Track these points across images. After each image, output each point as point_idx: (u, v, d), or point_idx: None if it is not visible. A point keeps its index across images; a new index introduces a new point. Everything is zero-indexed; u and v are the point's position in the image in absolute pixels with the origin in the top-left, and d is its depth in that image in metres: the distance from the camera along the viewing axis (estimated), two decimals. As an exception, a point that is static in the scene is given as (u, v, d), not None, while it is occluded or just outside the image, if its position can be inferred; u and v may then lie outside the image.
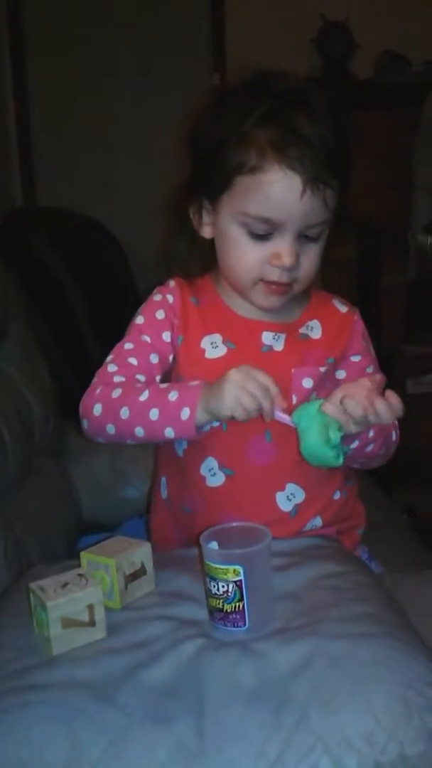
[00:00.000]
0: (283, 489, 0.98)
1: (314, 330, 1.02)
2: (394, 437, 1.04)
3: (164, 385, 0.95)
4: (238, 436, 0.96)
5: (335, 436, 0.88)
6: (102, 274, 2.10)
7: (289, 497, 0.98)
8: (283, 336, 1.00)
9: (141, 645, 0.76)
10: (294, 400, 0.97)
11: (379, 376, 0.94)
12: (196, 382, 0.92)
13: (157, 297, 1.03)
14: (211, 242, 1.00)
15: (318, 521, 1.00)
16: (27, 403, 1.32)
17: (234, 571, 0.76)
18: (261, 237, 0.93)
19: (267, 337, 1.00)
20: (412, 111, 2.82)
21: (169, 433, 0.91)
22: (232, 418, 0.87)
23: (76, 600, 0.76)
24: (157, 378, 1.00)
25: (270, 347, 1.00)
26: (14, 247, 1.87)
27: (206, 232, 0.99)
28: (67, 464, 1.43)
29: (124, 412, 0.93)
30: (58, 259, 1.94)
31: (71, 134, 3.28)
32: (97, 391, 0.96)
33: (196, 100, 1.01)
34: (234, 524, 0.84)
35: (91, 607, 0.77)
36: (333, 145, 0.91)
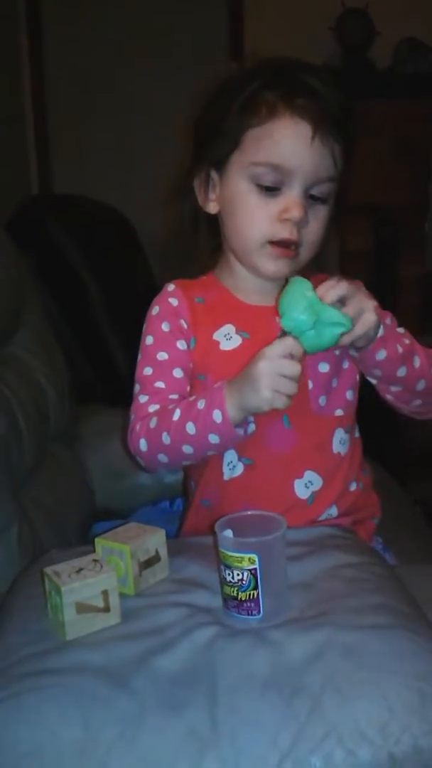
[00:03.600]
0: (301, 476, 0.98)
1: None
2: None
3: (192, 398, 0.94)
4: (256, 424, 0.96)
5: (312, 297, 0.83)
6: (118, 262, 2.09)
7: (306, 485, 0.98)
8: None
9: (155, 631, 0.76)
10: (310, 385, 0.97)
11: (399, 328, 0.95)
12: (218, 384, 0.91)
13: (155, 310, 1.02)
14: (217, 223, 1.00)
15: (333, 510, 1.00)
16: (43, 390, 1.32)
17: (249, 559, 0.75)
18: (269, 191, 0.92)
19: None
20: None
21: (213, 439, 0.90)
22: (274, 409, 0.85)
23: (91, 585, 0.77)
24: (188, 390, 0.99)
25: (285, 332, 0.99)
26: (30, 234, 1.87)
27: (212, 207, 0.99)
28: (81, 451, 1.43)
29: (166, 438, 0.93)
30: (73, 247, 1.93)
31: (88, 122, 3.28)
32: (137, 427, 0.97)
33: (205, 86, 1.02)
34: (249, 513, 0.83)
35: (105, 593, 0.77)
36: (339, 104, 0.93)
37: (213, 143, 0.95)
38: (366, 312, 0.85)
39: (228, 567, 0.77)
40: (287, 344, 0.84)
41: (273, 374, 0.83)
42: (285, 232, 0.93)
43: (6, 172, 2.94)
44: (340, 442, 1.00)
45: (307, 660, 0.70)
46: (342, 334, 0.84)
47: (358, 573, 0.84)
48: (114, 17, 3.23)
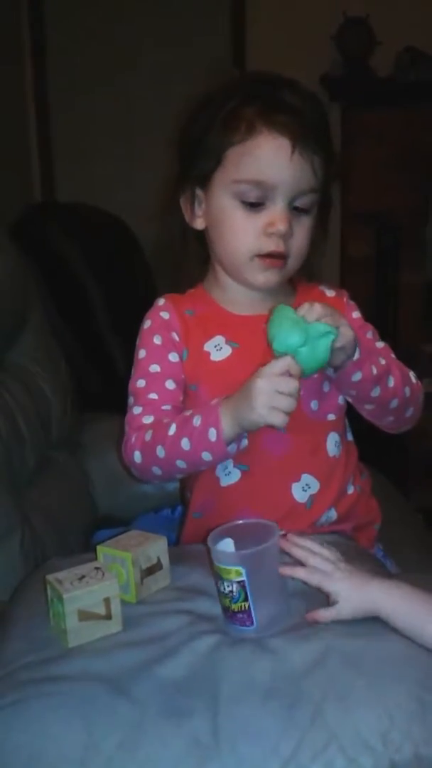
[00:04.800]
0: (298, 480, 0.98)
1: None
2: (413, 379, 1.02)
3: (188, 412, 0.94)
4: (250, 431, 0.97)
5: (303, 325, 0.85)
6: (119, 269, 2.10)
7: (304, 488, 0.98)
8: None
9: (156, 639, 0.76)
10: (302, 391, 0.97)
11: (382, 344, 1.00)
12: (214, 401, 0.91)
13: (146, 324, 1.03)
14: (204, 238, 1.01)
15: (332, 513, 1.00)
16: (45, 397, 1.32)
17: (236, 572, 0.75)
18: (254, 206, 0.94)
19: None
20: (433, 108, 2.80)
21: (206, 456, 0.91)
22: (271, 426, 0.86)
23: (93, 593, 0.77)
24: (181, 401, 1.00)
25: None
26: (33, 242, 1.88)
27: (198, 223, 1.01)
28: (83, 458, 1.43)
29: (160, 451, 0.94)
30: (76, 254, 1.94)
31: (91, 130, 3.28)
32: (132, 439, 0.97)
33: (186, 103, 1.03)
34: (241, 522, 0.83)
35: (107, 601, 0.77)
36: (318, 117, 0.95)
37: (196, 161, 0.97)
38: (342, 327, 0.88)
39: (219, 579, 0.77)
40: (285, 362, 0.85)
41: (270, 391, 0.84)
42: (272, 245, 0.94)
43: (9, 180, 2.95)
44: (334, 445, 1.01)
45: (308, 668, 0.71)
46: (333, 342, 0.86)
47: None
48: (118, 23, 3.24)
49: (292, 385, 0.84)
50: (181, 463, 0.93)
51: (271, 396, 0.84)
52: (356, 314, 1.07)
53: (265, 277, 0.97)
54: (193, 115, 0.99)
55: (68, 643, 0.76)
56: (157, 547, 0.86)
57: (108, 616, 0.78)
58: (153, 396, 0.99)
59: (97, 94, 3.27)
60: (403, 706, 0.67)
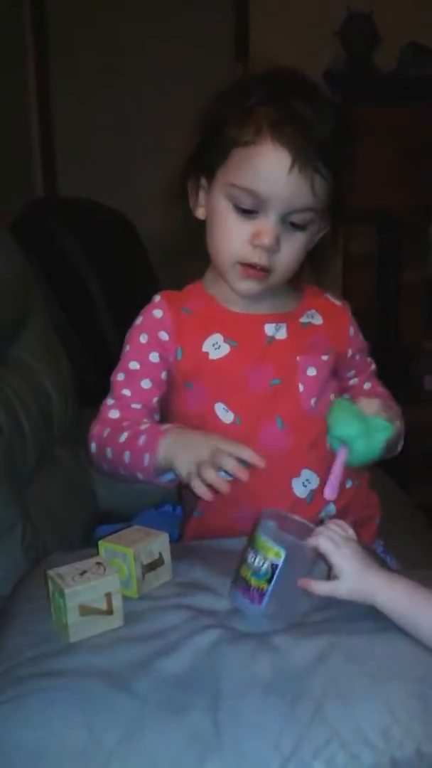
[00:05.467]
0: (298, 475, 0.98)
1: (315, 318, 1.04)
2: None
3: (144, 425, 0.96)
4: (251, 427, 0.98)
5: (381, 435, 0.91)
6: (121, 264, 2.10)
7: (304, 483, 0.98)
8: (284, 325, 1.01)
9: (158, 634, 0.76)
10: (301, 388, 0.99)
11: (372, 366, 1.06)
12: (165, 426, 0.94)
13: (138, 320, 1.04)
14: (203, 227, 1.01)
15: (331, 508, 1.00)
16: (46, 393, 1.32)
17: (276, 552, 0.76)
18: (246, 213, 0.93)
19: (270, 329, 1.00)
20: (436, 104, 2.79)
21: (140, 476, 0.94)
22: (190, 484, 0.86)
23: (94, 588, 0.77)
24: (155, 401, 1.01)
25: (272, 338, 1.00)
26: (35, 237, 1.87)
27: (200, 213, 1.00)
28: (84, 454, 1.43)
29: (109, 453, 0.97)
30: (77, 249, 1.94)
31: (92, 125, 3.28)
32: (95, 428, 1.01)
33: (212, 88, 1.02)
34: (298, 519, 0.84)
35: (108, 596, 0.77)
36: (328, 135, 0.91)
37: (207, 150, 0.96)
38: (396, 422, 0.94)
39: (254, 550, 0.78)
40: (233, 446, 0.86)
41: (205, 458, 0.85)
42: (255, 257, 0.94)
43: (11, 175, 2.95)
44: None
45: (310, 664, 0.71)
46: (389, 438, 0.92)
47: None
48: (120, 20, 3.24)
49: (230, 465, 0.84)
50: (121, 471, 0.96)
51: (203, 462, 0.85)
52: (360, 336, 1.09)
53: (246, 285, 0.97)
54: (214, 104, 0.97)
55: (69, 638, 0.76)
56: (159, 543, 0.86)
57: (109, 612, 0.78)
58: (126, 392, 1.01)
59: (99, 91, 3.26)
60: (404, 702, 0.67)
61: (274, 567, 0.76)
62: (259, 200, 0.91)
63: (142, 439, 0.93)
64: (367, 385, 1.12)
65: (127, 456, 0.94)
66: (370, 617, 0.76)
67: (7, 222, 1.90)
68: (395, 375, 1.14)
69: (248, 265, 0.94)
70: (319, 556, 0.80)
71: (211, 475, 0.84)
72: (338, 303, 1.08)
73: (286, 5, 3.07)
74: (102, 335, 1.89)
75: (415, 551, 1.24)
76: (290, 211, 0.92)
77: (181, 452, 0.88)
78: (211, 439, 0.88)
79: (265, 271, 0.95)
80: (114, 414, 1.01)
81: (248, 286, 0.97)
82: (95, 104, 3.27)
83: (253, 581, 0.77)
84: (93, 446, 1.00)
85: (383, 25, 2.95)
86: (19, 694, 0.70)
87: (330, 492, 0.93)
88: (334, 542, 0.79)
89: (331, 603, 0.79)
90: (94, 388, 1.22)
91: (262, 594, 0.76)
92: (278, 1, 3.10)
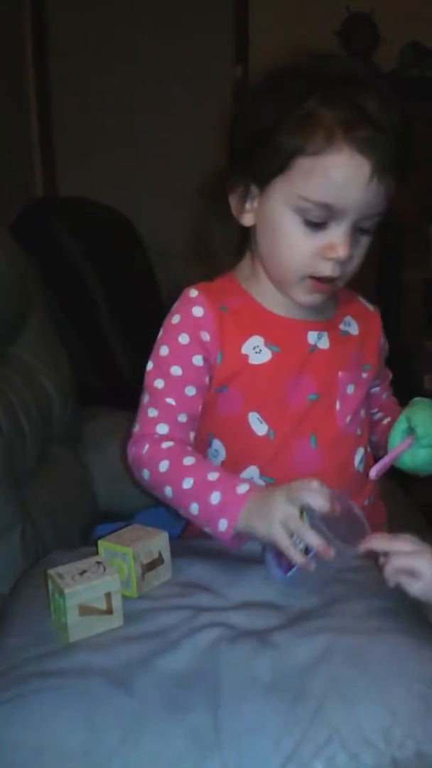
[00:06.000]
0: None
1: (351, 326, 1.00)
2: None
3: (212, 475, 0.86)
4: (284, 443, 0.93)
5: None
6: (121, 264, 2.10)
7: None
8: (325, 334, 0.96)
9: (158, 634, 0.76)
10: (338, 406, 0.96)
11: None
12: (243, 490, 0.83)
13: (175, 319, 0.94)
14: (247, 232, 0.94)
15: None
16: (46, 392, 1.32)
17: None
18: (316, 226, 0.85)
19: (312, 337, 0.95)
20: (436, 105, 2.78)
21: (208, 531, 0.86)
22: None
23: (94, 588, 0.77)
24: (200, 409, 0.94)
25: (315, 347, 0.95)
26: (35, 237, 1.88)
27: (247, 219, 0.91)
28: (83, 453, 1.43)
29: (168, 492, 0.89)
30: (77, 249, 1.94)
31: (92, 125, 3.28)
32: (145, 449, 0.91)
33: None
34: (358, 511, 0.82)
35: (108, 595, 0.77)
36: (401, 132, 0.85)
37: (256, 157, 0.86)
38: None
39: (304, 521, 0.77)
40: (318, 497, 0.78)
41: (286, 518, 0.78)
42: (327, 270, 0.87)
43: (11, 175, 2.95)
44: (360, 460, 0.99)
45: (311, 664, 0.70)
46: None
47: (362, 577, 0.84)
48: (120, 20, 3.23)
49: (310, 536, 0.76)
50: (183, 512, 0.89)
51: (286, 521, 0.77)
52: (383, 340, 1.05)
53: (312, 298, 0.91)
54: (259, 100, 0.87)
55: (69, 637, 0.76)
56: (159, 542, 0.85)
57: (109, 611, 0.78)
58: (170, 401, 0.92)
59: (99, 91, 3.26)
60: (405, 702, 0.67)
61: (308, 550, 0.77)
62: (333, 212, 0.84)
63: (216, 498, 0.83)
64: (385, 395, 1.09)
65: (194, 508, 0.86)
66: (372, 617, 0.76)
67: (7, 221, 1.89)
68: (396, 374, 1.14)
69: (320, 279, 0.88)
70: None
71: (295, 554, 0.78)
72: (371, 308, 1.04)
73: (286, 5, 3.07)
74: (102, 335, 1.88)
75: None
76: (363, 219, 0.86)
77: (262, 527, 0.79)
78: (282, 515, 0.78)
79: (335, 281, 0.89)
80: (162, 429, 0.91)
81: (314, 298, 0.91)
82: (95, 104, 3.27)
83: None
84: (146, 473, 0.90)
85: (383, 25, 2.95)
86: (19, 694, 0.70)
87: (375, 473, 0.92)
88: (407, 553, 0.77)
89: (332, 602, 0.79)
90: (93, 387, 1.22)
91: (290, 566, 0.79)
92: (278, 1, 3.10)
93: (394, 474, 1.48)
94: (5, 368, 1.26)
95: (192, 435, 0.94)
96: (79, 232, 1.97)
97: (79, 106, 3.27)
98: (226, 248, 0.99)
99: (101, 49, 3.25)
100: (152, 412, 0.92)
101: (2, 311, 1.25)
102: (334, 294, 0.97)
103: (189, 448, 0.91)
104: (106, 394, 1.71)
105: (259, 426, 0.93)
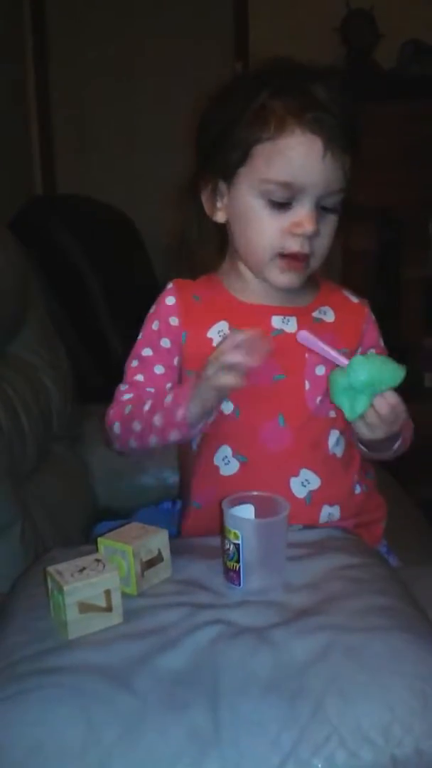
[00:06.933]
0: (297, 474, 0.98)
1: (327, 314, 1.03)
2: (410, 426, 1.04)
3: (167, 395, 0.96)
4: (251, 421, 0.97)
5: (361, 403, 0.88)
6: (119, 261, 2.10)
7: (303, 483, 0.98)
8: (293, 318, 1.00)
9: (157, 631, 0.76)
10: (307, 386, 0.98)
11: None
12: (189, 384, 0.93)
13: (152, 309, 1.05)
14: (223, 229, 1.00)
15: (336, 512, 0.99)
16: (45, 390, 1.32)
17: (234, 534, 0.81)
18: (281, 206, 0.92)
19: (276, 321, 1.00)
20: (437, 102, 2.78)
21: (174, 436, 0.94)
22: (224, 386, 0.88)
23: (94, 585, 0.77)
24: (168, 386, 1.01)
25: (281, 330, 0.99)
26: (34, 234, 1.88)
27: (220, 216, 0.99)
28: (83, 450, 1.43)
29: (136, 426, 0.97)
30: (77, 246, 1.94)
31: (92, 123, 3.28)
32: (112, 411, 1.02)
33: (209, 89, 1.01)
34: (256, 493, 0.87)
35: (108, 593, 0.77)
36: (348, 111, 0.92)
37: (219, 153, 0.94)
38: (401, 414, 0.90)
39: (223, 537, 0.84)
40: (233, 338, 0.87)
41: (215, 357, 0.87)
42: (296, 246, 0.93)
43: (10, 173, 2.95)
44: (335, 443, 1.01)
45: (310, 661, 0.70)
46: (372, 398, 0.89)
47: (361, 574, 0.84)
48: (119, 18, 3.23)
49: (236, 357, 0.85)
50: (153, 440, 0.96)
51: (216, 361, 0.86)
52: (377, 332, 1.07)
53: (287, 278, 0.96)
54: (218, 104, 0.96)
55: (68, 635, 0.76)
56: (158, 540, 0.85)
57: (108, 609, 0.78)
58: (139, 378, 1.02)
59: (98, 89, 3.26)
60: (404, 700, 0.67)
61: (237, 547, 0.81)
62: (295, 190, 0.91)
63: (168, 398, 0.94)
64: None
65: (158, 419, 0.94)
66: (371, 614, 0.76)
67: (7, 219, 1.89)
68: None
69: (290, 256, 0.94)
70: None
71: (235, 360, 0.86)
72: (355, 300, 1.07)
73: (286, 2, 3.07)
74: (101, 332, 1.88)
75: (417, 549, 1.24)
76: (324, 195, 0.92)
77: (201, 383, 0.89)
78: (208, 359, 0.89)
79: (306, 259, 0.94)
80: (128, 396, 1.02)
81: (289, 278, 0.96)
82: (95, 103, 3.27)
83: (229, 564, 0.83)
84: (116, 426, 1.00)
85: (383, 21, 2.94)
86: (19, 691, 0.70)
87: (302, 337, 0.93)
88: None
89: (331, 599, 0.79)
90: (93, 385, 1.23)
91: (237, 574, 0.82)
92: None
93: (393, 471, 1.49)
94: (5, 366, 1.26)
95: None
96: (79, 230, 1.97)
97: (79, 105, 3.27)
98: (205, 248, 1.05)
99: (101, 48, 3.25)
100: (123, 387, 1.04)
101: (2, 309, 1.25)
102: (316, 284, 1.03)
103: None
104: (105, 391, 1.71)
105: (225, 405, 0.98)
